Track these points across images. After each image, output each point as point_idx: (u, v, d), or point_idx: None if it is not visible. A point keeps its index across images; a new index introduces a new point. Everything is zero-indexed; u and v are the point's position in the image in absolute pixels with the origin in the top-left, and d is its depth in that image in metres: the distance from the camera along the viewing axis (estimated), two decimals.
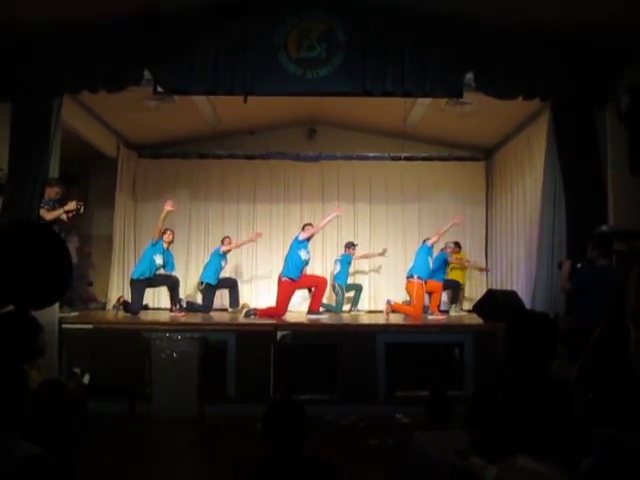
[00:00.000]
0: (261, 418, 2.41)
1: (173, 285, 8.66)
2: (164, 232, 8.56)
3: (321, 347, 6.73)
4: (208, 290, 9.17)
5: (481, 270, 10.68)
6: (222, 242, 9.59)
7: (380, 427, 5.54)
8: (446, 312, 9.30)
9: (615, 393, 1.43)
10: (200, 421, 5.97)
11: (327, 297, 10.49)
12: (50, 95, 6.79)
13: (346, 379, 6.48)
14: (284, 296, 8.02)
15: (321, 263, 10.77)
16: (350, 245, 9.97)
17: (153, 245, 8.46)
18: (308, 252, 8.28)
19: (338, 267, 9.91)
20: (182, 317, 8.03)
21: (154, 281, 8.55)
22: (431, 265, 8.83)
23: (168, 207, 8.15)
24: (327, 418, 5.64)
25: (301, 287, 8.65)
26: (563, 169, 6.80)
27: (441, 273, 9.42)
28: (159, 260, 8.45)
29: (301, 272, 8.19)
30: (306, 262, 8.30)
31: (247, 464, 2.44)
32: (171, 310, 8.54)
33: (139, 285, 8.33)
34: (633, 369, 0.98)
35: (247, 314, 8.14)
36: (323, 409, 5.89)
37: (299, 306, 9.32)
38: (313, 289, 8.69)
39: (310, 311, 8.47)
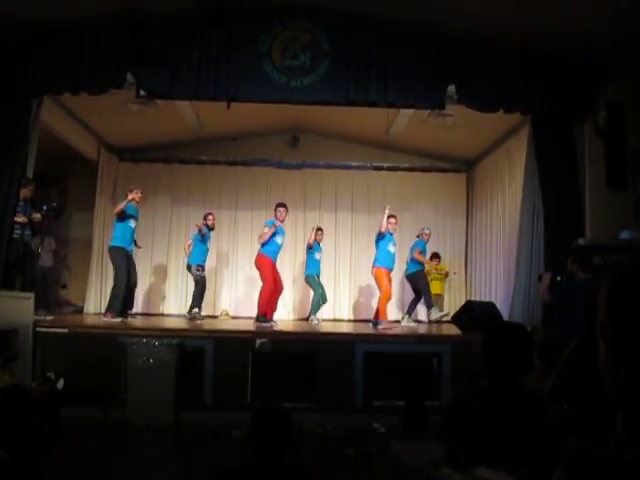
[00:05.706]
0: (248, 425, 2.39)
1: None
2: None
3: (300, 355, 6.69)
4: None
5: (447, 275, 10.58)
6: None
7: (357, 436, 5.51)
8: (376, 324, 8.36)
9: (587, 406, 1.45)
10: (176, 428, 5.90)
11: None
12: (30, 95, 6.71)
13: (324, 388, 6.45)
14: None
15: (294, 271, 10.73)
16: (316, 230, 9.40)
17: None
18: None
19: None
20: (108, 318, 7.53)
21: None
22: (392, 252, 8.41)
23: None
24: (304, 427, 5.60)
25: None
26: (542, 182, 6.88)
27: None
28: None
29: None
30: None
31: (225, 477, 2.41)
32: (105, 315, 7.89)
33: None
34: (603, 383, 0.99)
35: None
36: (300, 417, 5.84)
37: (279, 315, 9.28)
38: None
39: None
